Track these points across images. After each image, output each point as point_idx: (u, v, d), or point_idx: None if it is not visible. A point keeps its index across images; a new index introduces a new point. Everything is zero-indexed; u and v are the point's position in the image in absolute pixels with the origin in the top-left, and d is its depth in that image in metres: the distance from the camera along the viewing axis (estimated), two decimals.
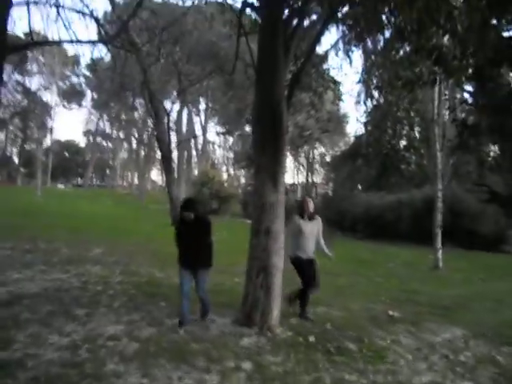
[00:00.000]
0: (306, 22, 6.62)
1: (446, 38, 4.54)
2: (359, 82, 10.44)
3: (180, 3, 18.75)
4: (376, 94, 11.75)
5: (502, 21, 4.06)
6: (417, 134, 27.69)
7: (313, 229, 5.95)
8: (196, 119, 54.18)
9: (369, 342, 5.08)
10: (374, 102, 11.89)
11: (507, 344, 5.37)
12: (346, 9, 6.33)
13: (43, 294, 6.36)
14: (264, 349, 4.76)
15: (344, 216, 23.78)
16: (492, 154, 20.57)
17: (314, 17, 7.44)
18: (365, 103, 12.21)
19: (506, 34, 4.10)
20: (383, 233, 20.72)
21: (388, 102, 11.51)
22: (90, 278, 7.75)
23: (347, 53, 14.24)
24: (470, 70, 4.15)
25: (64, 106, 51.41)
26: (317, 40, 6.26)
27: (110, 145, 70.79)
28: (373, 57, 9.57)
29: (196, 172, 48.77)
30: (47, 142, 54.32)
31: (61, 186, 65.57)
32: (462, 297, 8.34)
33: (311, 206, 5.98)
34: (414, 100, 10.94)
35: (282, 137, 5.32)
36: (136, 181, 63.21)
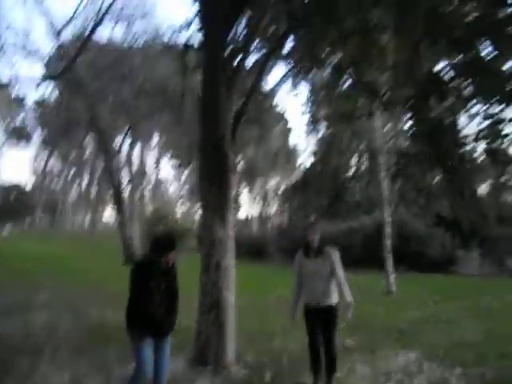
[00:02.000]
0: (252, 58, 6.78)
1: (379, 73, 4.78)
2: (303, 114, 10.75)
3: (125, 44, 18.72)
4: (322, 126, 12.19)
5: (428, 56, 4.32)
6: (365, 164, 28.74)
7: (319, 266, 4.52)
8: (149, 153, 53.77)
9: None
10: (319, 135, 12.36)
11: (459, 365, 5.46)
12: (289, 45, 6.56)
13: None
14: None
15: (299, 245, 23.90)
16: (437, 179, 21.65)
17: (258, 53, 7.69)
18: (309, 135, 12.66)
19: (433, 69, 4.36)
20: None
21: (331, 134, 11.96)
22: (34, 325, 7.28)
23: (295, 86, 14.79)
24: (402, 103, 4.37)
25: (12, 144, 49.49)
26: (260, 76, 6.41)
27: (60, 183, 68.48)
28: (313, 92, 9.96)
29: (150, 208, 47.94)
30: None
31: (4, 235, 62.07)
32: (416, 320, 8.47)
33: (315, 236, 4.56)
34: (356, 132, 11.41)
35: (227, 173, 5.33)
36: (88, 220, 61.20)
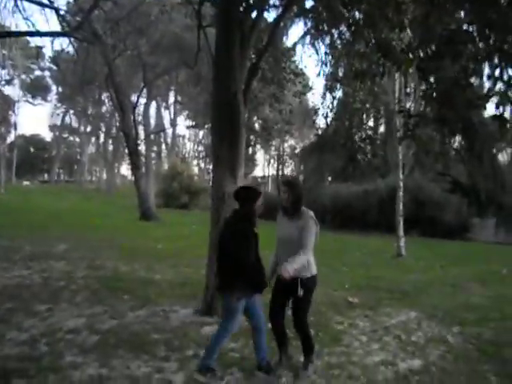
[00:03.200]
0: (269, 16, 6.72)
1: (394, 32, 4.72)
2: (318, 74, 10.63)
3: None
4: (338, 86, 12.04)
5: (445, 14, 4.25)
6: (383, 126, 28.29)
7: (289, 229, 3.87)
8: (165, 113, 53.83)
9: (326, 327, 5.26)
10: (334, 94, 12.23)
11: (458, 324, 5.65)
12: (308, 3, 6.47)
13: (2, 292, 6.29)
14: None
15: (312, 207, 24.11)
16: (456, 144, 21.30)
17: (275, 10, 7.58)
18: (324, 95, 12.49)
19: (450, 27, 4.29)
20: (351, 223, 21.17)
21: (345, 93, 11.81)
22: (52, 273, 7.69)
23: (313, 45, 14.50)
24: (416, 63, 4.33)
25: (28, 101, 50.04)
26: (275, 31, 6.36)
27: (77, 139, 69.29)
28: (330, 51, 9.82)
29: (166, 166, 48.43)
30: (11, 137, 52.88)
31: (26, 183, 63.82)
32: (421, 282, 8.65)
33: (287, 195, 3.91)
34: (370, 91, 11.24)
35: (239, 129, 5.42)
36: (105, 176, 62.16)
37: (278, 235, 4.00)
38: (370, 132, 16.48)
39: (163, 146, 54.45)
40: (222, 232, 3.90)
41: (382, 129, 29.77)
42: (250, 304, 3.77)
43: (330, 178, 31.80)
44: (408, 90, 13.18)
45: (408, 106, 12.07)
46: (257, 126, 32.55)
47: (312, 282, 3.88)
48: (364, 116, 19.61)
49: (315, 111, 15.46)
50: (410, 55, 4.52)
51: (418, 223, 19.03)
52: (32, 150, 72.73)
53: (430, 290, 7.89)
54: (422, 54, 4.31)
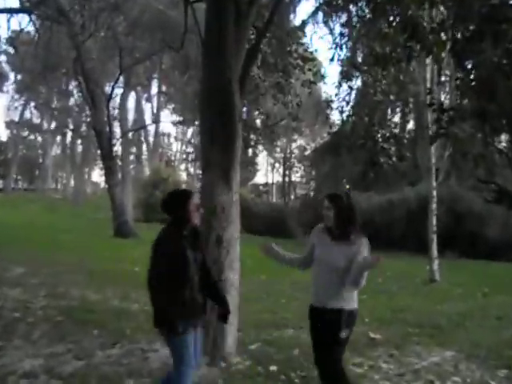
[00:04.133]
0: None
1: (422, 9, 4.73)
2: (332, 60, 10.66)
3: None
4: (355, 74, 12.02)
5: None
6: (411, 122, 28.32)
7: (338, 255, 3.83)
8: (146, 106, 53.98)
9: None
10: (352, 84, 12.19)
11: (504, 367, 5.59)
12: None
13: None
14: (215, 382, 4.82)
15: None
16: (504, 144, 21.25)
17: None
18: (339, 84, 12.44)
19: (490, 3, 4.30)
20: (373, 240, 21.02)
21: (364, 83, 11.79)
22: (5, 303, 7.68)
23: (326, 24, 14.54)
24: (449, 46, 4.33)
25: None
26: (278, 8, 6.39)
27: (39, 139, 69.43)
28: (346, 31, 9.86)
29: (147, 171, 48.48)
30: None
31: None
32: (458, 314, 8.59)
33: (330, 214, 3.88)
34: (395, 80, 11.22)
35: (234, 125, 5.40)
36: (72, 183, 62.21)
37: (317, 256, 3.99)
38: (395, 130, 16.45)
39: (144, 147, 54.57)
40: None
41: (410, 126, 29.95)
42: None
43: (347, 186, 31.85)
44: (441, 78, 13.21)
45: (441, 98, 12.08)
46: (258, 122, 32.59)
47: (355, 317, 3.99)
48: (388, 110, 19.65)
49: (328, 104, 15.42)
50: (443, 36, 4.52)
51: (454, 241, 18.98)
52: None
53: (470, 324, 7.84)
54: (457, 35, 4.31)
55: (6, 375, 4.75)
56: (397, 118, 26.74)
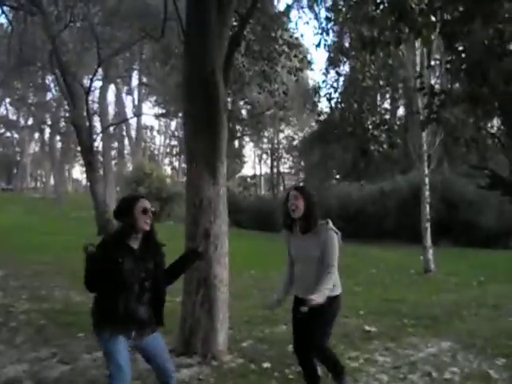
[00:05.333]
0: None
1: None
2: (318, 45, 10.62)
3: None
4: (342, 59, 12.03)
5: None
6: (401, 108, 28.35)
7: (307, 247, 4.06)
8: (127, 99, 53.71)
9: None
10: (339, 70, 12.18)
11: (502, 355, 5.65)
12: None
13: None
14: (207, 381, 4.83)
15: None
16: (496, 128, 21.36)
17: None
18: (327, 71, 12.42)
19: None
20: (365, 231, 21.27)
21: (353, 68, 11.80)
22: None
23: (311, 8, 14.51)
24: (439, 28, 4.33)
25: None
26: None
27: (15, 136, 68.76)
28: (332, 15, 9.84)
29: (130, 167, 48.29)
30: None
31: None
32: (454, 304, 8.68)
33: (300, 204, 4.01)
34: (384, 65, 11.24)
35: (218, 115, 5.38)
36: (52, 181, 61.76)
37: (293, 254, 4.23)
38: (385, 116, 16.49)
39: (126, 141, 54.29)
40: None
41: (400, 112, 30.03)
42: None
43: (337, 176, 31.95)
44: (431, 62, 13.24)
45: (432, 81, 12.09)
46: (244, 112, 32.60)
47: (336, 303, 4.08)
48: (377, 96, 19.67)
49: (316, 92, 15.45)
50: (432, 18, 4.52)
51: (449, 230, 19.16)
52: None
53: (466, 314, 7.91)
54: (446, 16, 4.31)
55: None
56: (387, 104, 26.77)
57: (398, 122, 22.99)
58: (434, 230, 13.46)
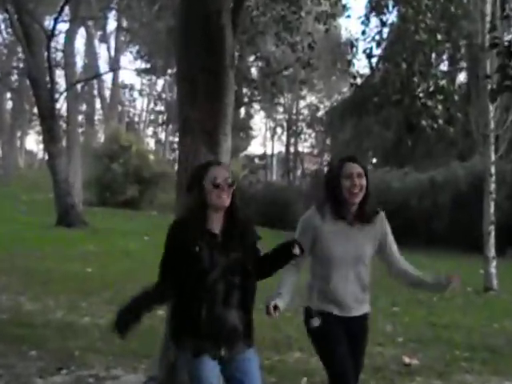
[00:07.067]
0: None
1: None
2: None
3: None
4: (388, 4, 11.84)
5: None
6: (464, 72, 28.07)
7: (361, 246, 3.89)
8: (101, 48, 53.57)
9: None
10: (384, 18, 11.96)
11: None
12: None
13: None
14: None
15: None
16: None
17: None
18: (367, 19, 12.18)
19: None
20: (408, 233, 21.19)
21: (402, 17, 11.61)
22: None
23: None
24: None
25: None
26: None
27: None
28: None
29: (102, 138, 48.27)
30: None
31: None
32: None
33: (364, 184, 3.76)
34: (444, 13, 11.06)
35: (223, 71, 5.33)
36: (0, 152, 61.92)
37: (334, 254, 3.83)
38: (442, 82, 16.24)
39: (97, 104, 54.28)
40: None
41: (462, 77, 29.80)
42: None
43: (374, 160, 31.81)
44: (506, 11, 13.11)
45: (507, 37, 11.97)
46: (254, 70, 32.42)
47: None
48: (433, 55, 19.37)
49: (352, 46, 15.23)
50: None
51: None
52: None
53: None
54: None
55: None
56: (444, 67, 26.56)
57: (458, 91, 22.73)
58: (499, 235, 13.36)
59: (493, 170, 12.84)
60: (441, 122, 10.46)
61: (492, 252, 12.85)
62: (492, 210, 12.84)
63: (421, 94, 10.45)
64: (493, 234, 12.86)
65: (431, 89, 10.73)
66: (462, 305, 11.12)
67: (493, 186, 12.83)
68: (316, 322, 3.73)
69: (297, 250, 3.50)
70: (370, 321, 3.98)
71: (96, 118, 55.13)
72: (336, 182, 3.77)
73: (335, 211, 3.80)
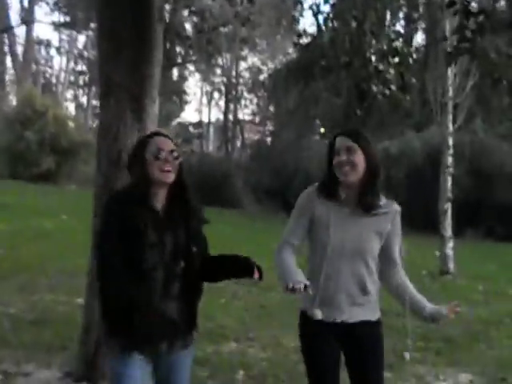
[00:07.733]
0: None
1: None
2: None
3: None
4: None
5: None
6: (420, 32, 28.38)
7: (364, 237, 3.66)
8: None
9: None
10: None
11: None
12: None
13: None
14: None
15: (290, 181, 24.26)
16: None
17: None
18: None
19: None
20: None
21: None
22: None
23: None
24: None
25: None
26: None
27: None
28: None
29: (13, 101, 47.39)
30: None
31: None
32: (480, 321, 8.89)
33: (358, 161, 3.53)
34: None
35: (149, 26, 5.30)
36: None
37: (330, 242, 3.60)
38: (396, 43, 16.34)
39: (8, 62, 53.21)
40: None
41: (418, 38, 30.13)
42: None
43: (322, 130, 31.99)
44: None
45: None
46: (188, 26, 32.12)
47: (381, 327, 3.78)
48: (387, 13, 19.50)
49: (297, 2, 15.19)
50: None
51: (478, 215, 19.50)
52: None
53: (496, 335, 8.12)
54: None
55: None
56: (399, 27, 26.81)
57: (414, 54, 22.91)
58: (457, 214, 13.58)
59: (450, 141, 13.01)
60: (394, 88, 10.48)
61: (449, 232, 13.04)
62: (449, 185, 13.00)
63: (372, 57, 10.43)
64: (449, 212, 13.04)
65: (384, 51, 10.73)
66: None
67: (450, 160, 12.99)
68: (319, 314, 3.50)
69: (256, 276, 3.37)
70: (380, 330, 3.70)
71: (7, 78, 53.93)
72: (329, 159, 3.63)
73: (327, 192, 3.63)
